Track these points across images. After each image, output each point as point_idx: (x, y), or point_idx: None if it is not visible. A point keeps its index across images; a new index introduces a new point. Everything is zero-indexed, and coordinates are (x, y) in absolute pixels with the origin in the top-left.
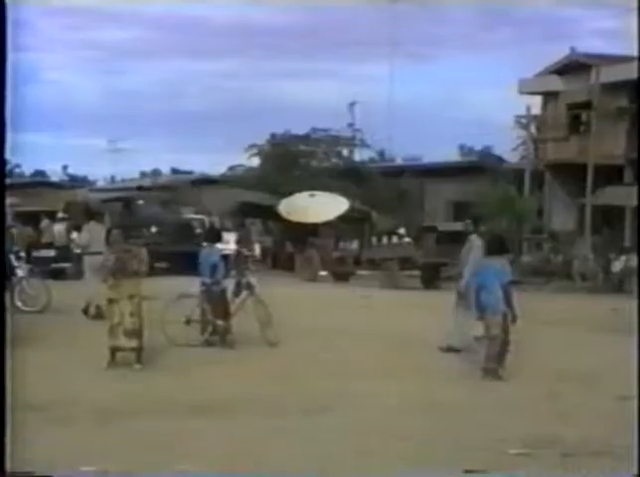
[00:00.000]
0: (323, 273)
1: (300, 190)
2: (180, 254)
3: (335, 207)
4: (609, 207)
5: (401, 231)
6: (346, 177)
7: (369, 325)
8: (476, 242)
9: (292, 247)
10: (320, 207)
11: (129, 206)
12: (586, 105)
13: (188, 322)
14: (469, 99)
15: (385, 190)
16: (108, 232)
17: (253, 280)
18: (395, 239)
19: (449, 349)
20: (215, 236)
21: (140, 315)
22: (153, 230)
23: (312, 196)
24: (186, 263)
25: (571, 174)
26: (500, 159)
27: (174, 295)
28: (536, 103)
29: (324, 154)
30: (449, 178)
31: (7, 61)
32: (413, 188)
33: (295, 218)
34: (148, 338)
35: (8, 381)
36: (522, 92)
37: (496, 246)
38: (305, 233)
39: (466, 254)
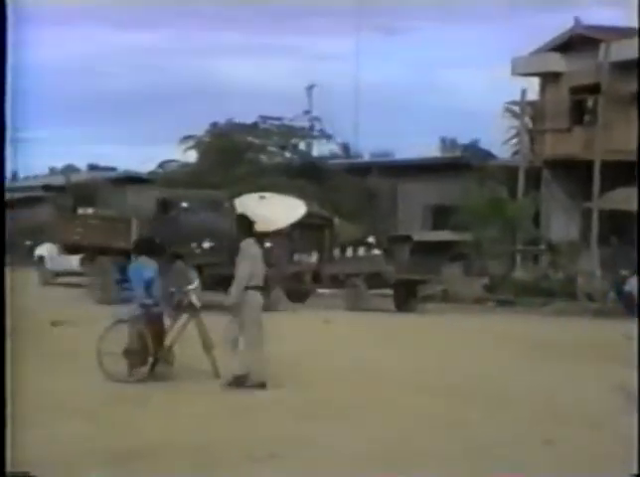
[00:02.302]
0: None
1: (247, 191)
2: None
3: (290, 211)
4: (620, 212)
5: (370, 240)
6: (303, 175)
7: (327, 356)
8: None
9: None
10: (271, 211)
11: (167, 208)
12: (593, 89)
13: (127, 353)
14: (451, 82)
15: (349, 191)
16: (137, 245)
17: (195, 300)
18: (362, 251)
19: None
20: (147, 244)
21: None
22: (206, 245)
23: (262, 198)
24: None
25: (574, 172)
26: (488, 154)
27: (111, 320)
28: (532, 87)
29: (276, 147)
30: (427, 177)
31: (7, 60)
32: (384, 189)
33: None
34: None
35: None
36: (515, 74)
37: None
38: None
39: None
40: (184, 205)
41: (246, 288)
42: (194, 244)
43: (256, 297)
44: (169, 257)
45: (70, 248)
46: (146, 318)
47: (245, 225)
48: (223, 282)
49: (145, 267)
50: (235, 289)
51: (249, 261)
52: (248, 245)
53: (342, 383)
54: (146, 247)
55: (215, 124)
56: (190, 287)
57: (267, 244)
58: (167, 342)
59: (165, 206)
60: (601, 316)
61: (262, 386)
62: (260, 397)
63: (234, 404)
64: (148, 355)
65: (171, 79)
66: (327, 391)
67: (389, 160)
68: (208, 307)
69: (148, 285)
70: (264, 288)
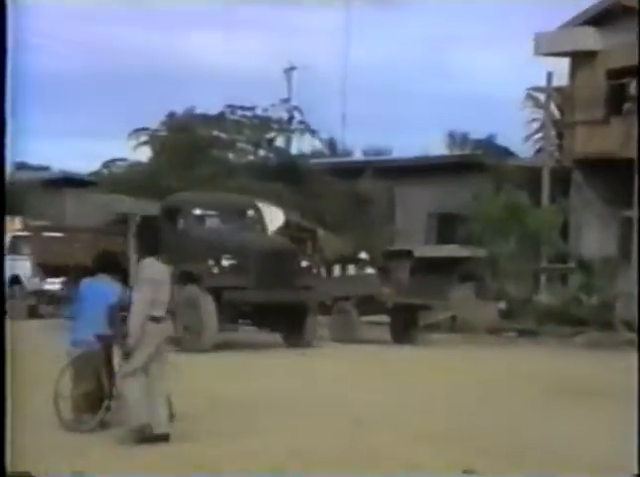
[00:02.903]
0: None
1: None
2: (275, 308)
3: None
4: None
5: (362, 256)
6: (280, 177)
7: (288, 400)
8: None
9: None
10: None
11: (175, 216)
12: (635, 71)
13: (86, 395)
14: (461, 64)
15: (336, 197)
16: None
17: None
18: (352, 270)
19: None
20: (110, 260)
21: None
22: (226, 263)
23: None
24: (287, 323)
25: (612, 174)
26: (506, 152)
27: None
28: (560, 70)
29: (247, 144)
30: (431, 180)
31: (7, 60)
32: (379, 194)
33: None
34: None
35: None
36: (539, 53)
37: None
38: None
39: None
40: (196, 212)
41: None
42: (210, 262)
43: (158, 330)
44: (178, 279)
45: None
46: (105, 353)
47: (147, 237)
48: (249, 312)
49: (104, 291)
50: (132, 325)
51: (150, 287)
52: (150, 265)
53: (288, 435)
54: (109, 264)
55: (172, 115)
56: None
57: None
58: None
59: (172, 213)
60: None
61: (164, 438)
62: (152, 452)
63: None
64: (104, 398)
65: (118, 57)
66: (259, 443)
67: (384, 159)
68: (229, 346)
69: (110, 312)
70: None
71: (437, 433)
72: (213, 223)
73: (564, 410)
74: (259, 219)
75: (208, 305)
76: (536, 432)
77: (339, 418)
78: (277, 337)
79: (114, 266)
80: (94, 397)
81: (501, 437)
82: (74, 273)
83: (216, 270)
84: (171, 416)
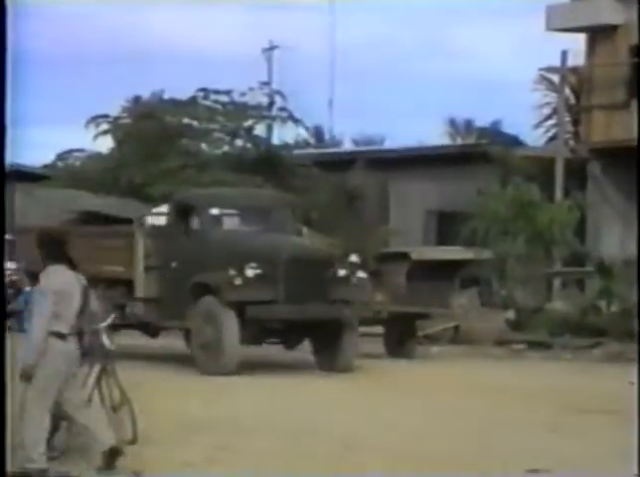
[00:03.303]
0: None
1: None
2: (308, 326)
3: None
4: None
5: (352, 259)
6: (259, 170)
7: (252, 424)
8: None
9: None
10: None
11: (188, 216)
12: None
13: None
14: (463, 42)
15: (323, 192)
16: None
17: (107, 342)
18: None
19: None
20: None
21: None
22: (250, 272)
23: None
24: (321, 343)
25: (634, 164)
26: (515, 141)
27: None
28: (576, 48)
29: (223, 132)
30: (430, 173)
31: (7, 58)
32: (371, 189)
33: None
34: None
35: None
36: (552, 29)
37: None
38: None
39: None
40: (213, 211)
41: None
42: (232, 272)
43: (63, 349)
44: (191, 291)
45: None
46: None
47: (50, 243)
48: (277, 330)
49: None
50: (31, 341)
51: (53, 298)
52: (54, 274)
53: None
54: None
55: (137, 100)
56: (102, 324)
57: None
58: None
59: (184, 213)
60: None
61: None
62: None
63: None
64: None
65: (75, 36)
66: None
67: (377, 149)
68: (251, 367)
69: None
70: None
71: (436, 458)
72: (232, 224)
73: (580, 433)
74: (288, 219)
75: (229, 321)
76: (547, 458)
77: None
78: (309, 357)
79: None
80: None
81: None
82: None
83: (238, 281)
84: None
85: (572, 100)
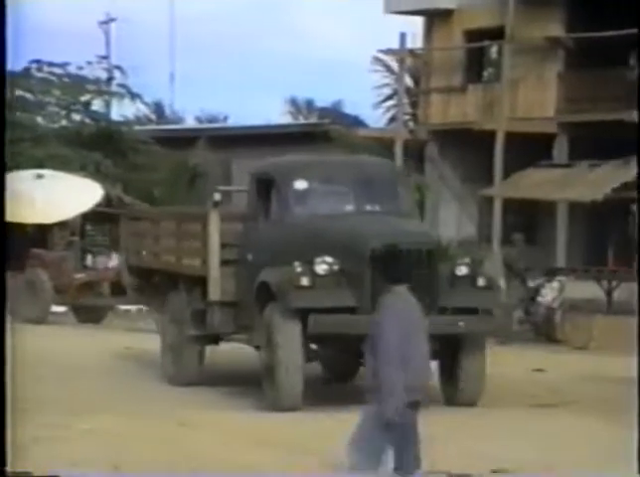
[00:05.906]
0: (59, 309)
1: (14, 167)
2: None
3: (79, 196)
4: (529, 201)
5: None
6: (97, 146)
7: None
8: None
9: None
10: (52, 195)
11: (269, 195)
12: (496, 34)
13: None
14: (303, 23)
15: (165, 169)
16: None
17: None
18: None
19: None
20: None
21: None
22: (321, 267)
23: (39, 177)
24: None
25: (469, 147)
26: (355, 121)
27: None
28: (414, 30)
29: (58, 107)
30: (273, 152)
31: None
32: (214, 167)
33: (10, 216)
34: None
35: None
36: (390, 12)
37: None
38: (27, 239)
39: None
40: (300, 185)
41: None
42: (298, 268)
43: None
44: (259, 292)
45: None
46: None
47: None
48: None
49: None
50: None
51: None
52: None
53: None
54: None
55: None
56: None
57: (74, 238)
58: None
59: (266, 188)
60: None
61: None
62: None
63: None
64: None
65: None
66: None
67: (220, 127)
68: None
69: None
70: None
71: None
72: (327, 202)
73: None
74: (406, 196)
75: (289, 338)
76: None
77: None
78: None
79: None
80: None
81: None
82: None
83: (305, 281)
84: None
85: (411, 83)
